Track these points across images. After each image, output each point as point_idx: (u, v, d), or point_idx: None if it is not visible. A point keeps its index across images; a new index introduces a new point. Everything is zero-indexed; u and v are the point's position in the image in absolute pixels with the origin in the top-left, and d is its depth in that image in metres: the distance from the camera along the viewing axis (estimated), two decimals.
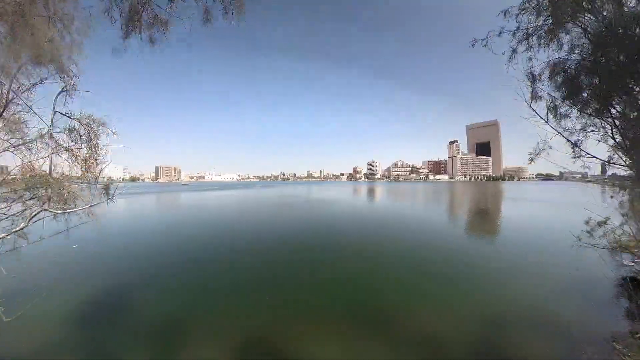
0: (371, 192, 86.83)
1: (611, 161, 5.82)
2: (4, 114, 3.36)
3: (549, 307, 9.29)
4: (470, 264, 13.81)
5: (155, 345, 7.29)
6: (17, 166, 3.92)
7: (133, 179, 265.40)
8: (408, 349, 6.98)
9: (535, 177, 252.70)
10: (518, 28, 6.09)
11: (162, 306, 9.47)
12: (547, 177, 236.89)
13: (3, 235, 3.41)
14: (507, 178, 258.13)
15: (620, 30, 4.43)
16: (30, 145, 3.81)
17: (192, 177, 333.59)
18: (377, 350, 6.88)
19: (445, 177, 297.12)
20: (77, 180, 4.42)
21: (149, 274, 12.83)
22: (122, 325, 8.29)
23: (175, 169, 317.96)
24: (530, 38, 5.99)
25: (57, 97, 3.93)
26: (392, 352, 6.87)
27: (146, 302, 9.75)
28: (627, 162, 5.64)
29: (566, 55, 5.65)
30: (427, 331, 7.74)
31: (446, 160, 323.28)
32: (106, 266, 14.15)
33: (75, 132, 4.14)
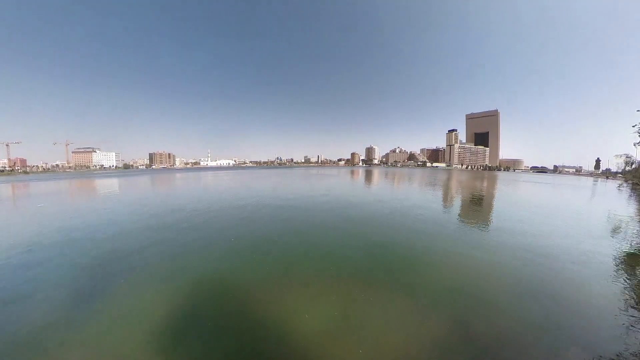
0: (369, 173, 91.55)
1: None
2: None
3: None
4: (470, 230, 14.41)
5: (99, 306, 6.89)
6: None
7: (126, 167, 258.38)
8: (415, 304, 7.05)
9: (530, 169, 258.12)
10: None
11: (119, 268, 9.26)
12: (541, 170, 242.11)
13: None
14: (503, 169, 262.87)
15: None
16: None
17: (187, 164, 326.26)
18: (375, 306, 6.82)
19: (442, 165, 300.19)
20: None
21: (113, 235, 12.88)
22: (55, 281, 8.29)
23: (169, 155, 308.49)
24: None
25: None
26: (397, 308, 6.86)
27: (96, 262, 9.73)
28: None
29: None
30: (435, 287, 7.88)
31: (444, 149, 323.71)
32: (60, 223, 15.22)
33: None
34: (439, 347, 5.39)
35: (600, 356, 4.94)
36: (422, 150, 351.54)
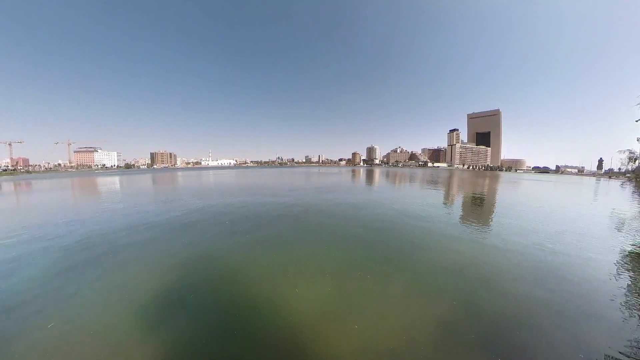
0: (370, 173, 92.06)
1: None
2: None
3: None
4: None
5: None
6: None
7: (127, 166, 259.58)
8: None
9: (532, 170, 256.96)
10: None
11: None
12: (543, 170, 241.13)
13: None
14: (504, 169, 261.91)
15: None
16: None
17: (188, 163, 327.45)
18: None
19: (443, 165, 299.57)
20: None
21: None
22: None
23: (170, 154, 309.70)
24: None
25: None
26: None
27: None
28: None
29: None
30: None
31: (445, 148, 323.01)
32: (61, 216, 16.06)
33: None
34: (437, 327, 5.27)
35: (602, 353, 4.89)
36: (423, 150, 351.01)
